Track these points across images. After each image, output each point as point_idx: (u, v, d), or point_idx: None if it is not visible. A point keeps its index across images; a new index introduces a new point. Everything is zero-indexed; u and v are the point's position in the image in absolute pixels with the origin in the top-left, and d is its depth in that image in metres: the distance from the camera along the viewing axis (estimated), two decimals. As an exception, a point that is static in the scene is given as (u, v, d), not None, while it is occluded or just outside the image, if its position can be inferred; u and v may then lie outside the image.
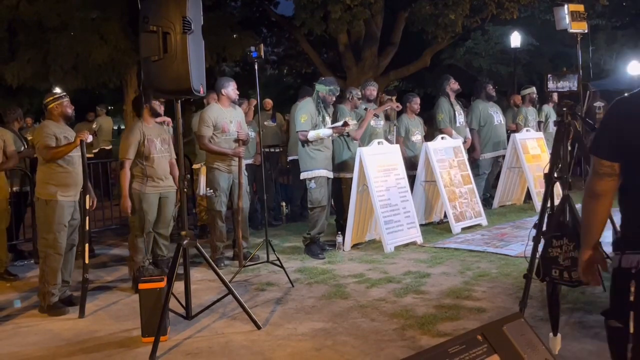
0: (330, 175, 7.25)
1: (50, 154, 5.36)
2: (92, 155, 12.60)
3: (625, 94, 2.60)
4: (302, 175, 7.17)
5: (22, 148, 7.46)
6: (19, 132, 7.67)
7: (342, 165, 7.51)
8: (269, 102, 9.94)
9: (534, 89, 10.53)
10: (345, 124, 7.14)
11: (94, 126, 13.54)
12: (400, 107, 8.84)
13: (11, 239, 7.55)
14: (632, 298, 2.29)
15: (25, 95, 20.19)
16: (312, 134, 7.00)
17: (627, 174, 2.36)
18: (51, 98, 5.65)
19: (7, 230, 6.84)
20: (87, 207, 5.55)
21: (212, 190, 6.78)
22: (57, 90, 11.97)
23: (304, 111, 7.09)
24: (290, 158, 9.16)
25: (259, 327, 4.77)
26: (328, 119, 7.29)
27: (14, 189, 7.41)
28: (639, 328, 2.28)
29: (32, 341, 4.79)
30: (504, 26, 19.42)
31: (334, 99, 7.34)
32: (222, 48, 16.20)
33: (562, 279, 3.91)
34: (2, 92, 19.44)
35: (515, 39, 19.02)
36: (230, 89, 6.83)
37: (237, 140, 6.78)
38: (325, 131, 7.04)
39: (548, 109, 10.57)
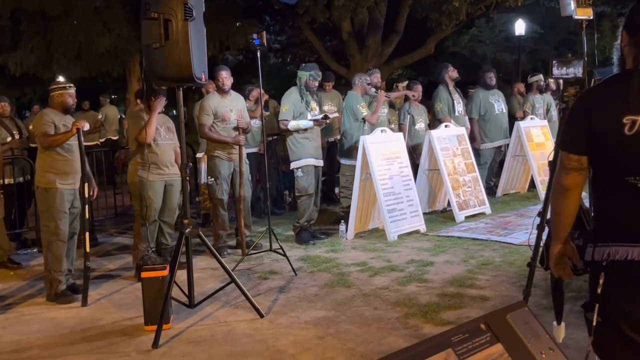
0: (318, 163, 7.26)
1: (48, 142, 5.37)
2: (97, 143, 12.63)
3: (591, 86, 2.58)
4: (291, 165, 7.17)
5: (8, 139, 7.43)
6: (10, 121, 7.66)
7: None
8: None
9: (541, 77, 10.43)
10: (326, 117, 7.15)
11: (100, 116, 13.51)
12: (417, 95, 8.83)
13: (15, 227, 7.57)
14: (599, 290, 2.29)
15: (29, 84, 20.15)
16: (292, 124, 7.01)
17: (596, 166, 2.34)
18: (55, 86, 5.65)
19: (6, 220, 6.82)
20: (87, 195, 5.54)
21: (213, 179, 6.78)
22: (62, 79, 11.94)
23: (286, 100, 7.12)
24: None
25: (261, 316, 4.77)
26: (314, 104, 7.28)
27: (18, 178, 7.41)
28: (604, 321, 2.28)
29: (35, 329, 4.80)
30: (509, 14, 19.29)
31: (316, 84, 7.32)
32: (225, 36, 16.15)
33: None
34: (6, 81, 19.42)
35: (520, 27, 18.90)
36: (222, 77, 6.75)
37: (237, 129, 6.75)
38: (305, 122, 7.03)
39: (548, 97, 10.50)
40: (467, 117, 9.48)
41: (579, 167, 2.35)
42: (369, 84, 7.87)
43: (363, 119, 7.59)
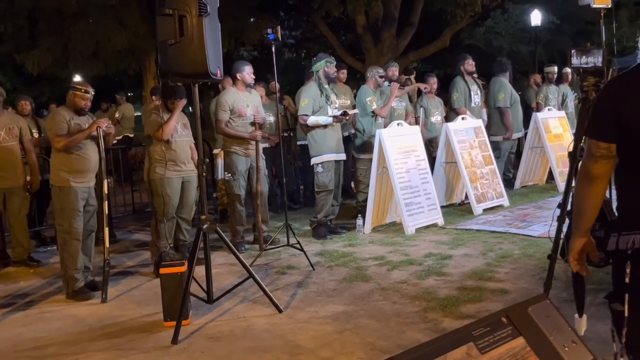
0: (340, 157, 7.22)
1: (64, 143, 5.37)
2: (115, 142, 12.70)
3: (616, 75, 2.53)
4: (312, 161, 7.15)
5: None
6: (30, 119, 7.74)
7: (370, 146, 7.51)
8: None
9: (554, 69, 10.33)
10: (345, 113, 7.12)
11: (116, 115, 13.59)
12: (428, 87, 8.79)
13: (34, 225, 7.63)
14: (627, 280, 2.25)
15: (46, 83, 20.34)
16: (311, 120, 6.98)
17: (623, 154, 2.30)
18: (74, 86, 5.66)
19: (28, 217, 6.89)
20: (106, 192, 5.57)
21: (230, 174, 6.79)
22: (82, 80, 11.99)
23: (305, 95, 7.08)
24: (299, 142, 9.14)
25: (280, 311, 4.76)
26: (334, 97, 7.25)
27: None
28: (635, 311, 2.24)
29: (55, 326, 4.83)
30: (524, 4, 19.13)
31: (334, 68, 7.30)
32: (240, 32, 16.18)
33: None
34: (24, 80, 19.61)
35: (536, 17, 18.73)
36: (246, 72, 6.80)
37: (253, 124, 6.75)
38: (325, 119, 7.00)
39: (565, 88, 10.40)
40: (484, 109, 9.39)
41: (608, 155, 2.31)
42: (381, 77, 7.83)
43: (373, 112, 7.56)
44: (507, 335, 1.91)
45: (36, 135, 7.57)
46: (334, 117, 7.07)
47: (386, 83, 7.98)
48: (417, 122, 8.64)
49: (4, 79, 20.66)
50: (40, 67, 15.68)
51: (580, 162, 2.46)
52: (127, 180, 10.42)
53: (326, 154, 7.05)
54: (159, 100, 6.40)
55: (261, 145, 6.88)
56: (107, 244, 5.58)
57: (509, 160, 9.92)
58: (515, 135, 9.69)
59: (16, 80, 20.30)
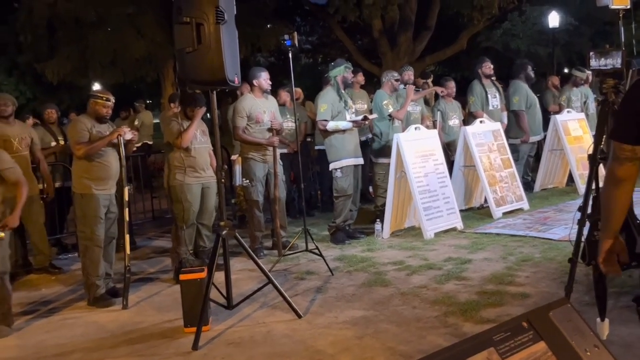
0: (358, 162, 7.23)
1: (84, 151, 5.42)
2: (134, 149, 12.81)
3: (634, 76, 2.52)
4: (330, 166, 7.15)
5: (52, 144, 7.61)
6: (56, 127, 7.86)
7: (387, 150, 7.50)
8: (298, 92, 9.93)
9: (584, 75, 10.13)
10: (365, 118, 7.12)
11: (136, 122, 13.70)
12: (445, 91, 8.77)
13: (55, 233, 7.71)
14: None
15: (66, 92, 20.55)
16: (331, 125, 6.99)
17: None
18: (95, 94, 5.72)
19: (46, 225, 6.96)
20: (126, 199, 5.62)
21: (248, 181, 6.81)
22: (101, 88, 12.11)
23: (324, 100, 7.09)
24: (317, 147, 9.16)
25: (299, 316, 4.77)
26: (351, 103, 7.27)
27: (57, 184, 7.55)
28: None
29: (78, 333, 4.88)
30: (542, 6, 19.00)
31: (352, 74, 7.32)
32: (257, 38, 16.25)
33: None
34: (44, 89, 19.82)
35: (554, 19, 18.60)
36: (262, 78, 6.82)
37: (271, 130, 6.78)
38: (345, 124, 7.01)
39: (586, 90, 10.31)
40: (504, 113, 9.33)
41: (633, 157, 2.30)
42: (397, 81, 7.83)
43: (389, 115, 7.56)
44: (528, 340, 1.90)
45: (61, 142, 7.68)
46: (354, 121, 7.08)
47: (402, 86, 7.97)
48: (434, 126, 8.62)
49: (24, 87, 20.91)
50: (59, 76, 15.86)
51: (607, 164, 2.44)
52: (147, 187, 10.49)
53: (345, 159, 7.06)
54: (177, 107, 6.46)
55: (278, 151, 6.90)
56: (127, 251, 5.64)
57: (528, 164, 9.85)
58: (534, 138, 9.63)
59: (36, 89, 20.52)
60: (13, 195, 5.12)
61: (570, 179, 9.63)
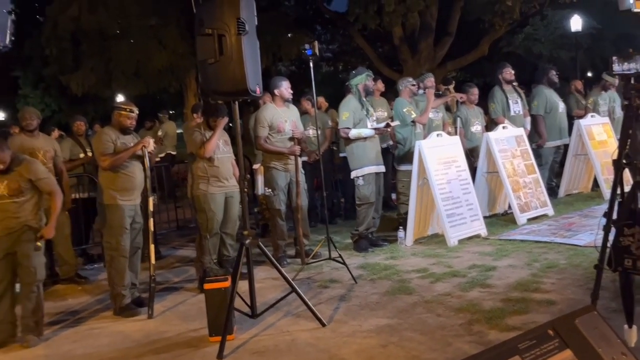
0: (380, 169, 7.22)
1: (109, 163, 5.49)
2: (158, 159, 12.93)
3: None
4: (352, 174, 7.15)
5: (81, 155, 7.71)
6: (84, 138, 7.97)
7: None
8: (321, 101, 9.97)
9: (613, 80, 10.00)
10: (387, 125, 7.13)
11: (159, 133, 13.82)
12: (465, 97, 8.73)
13: (81, 243, 7.81)
14: None
15: (90, 103, 20.83)
16: (353, 132, 7.00)
17: None
18: (119, 106, 5.80)
19: (76, 235, 7.05)
20: (151, 209, 5.67)
21: (270, 190, 6.84)
22: (125, 100, 12.23)
23: (346, 108, 7.10)
24: (341, 154, 9.17)
25: (323, 325, 4.77)
26: (372, 110, 7.28)
27: (82, 194, 7.64)
28: None
29: (104, 342, 4.93)
30: (563, 10, 18.86)
31: (373, 82, 7.36)
32: (277, 47, 16.36)
33: (636, 269, 3.76)
34: (69, 101, 20.12)
35: (576, 23, 18.46)
36: (284, 88, 6.86)
37: (292, 139, 6.80)
38: (367, 131, 7.02)
39: (612, 94, 10.20)
40: (527, 118, 9.26)
41: None
42: (413, 85, 7.82)
43: (413, 121, 7.55)
44: (554, 347, 1.89)
45: (89, 154, 7.79)
46: (376, 129, 7.08)
47: (421, 91, 7.95)
48: (457, 133, 8.58)
49: (49, 100, 21.25)
50: (84, 88, 16.10)
51: None
52: (171, 197, 10.58)
53: (367, 167, 7.06)
54: (200, 117, 6.51)
55: (300, 160, 6.92)
56: (153, 261, 5.68)
57: (552, 169, 9.75)
58: (554, 143, 9.49)
59: (61, 101, 20.84)
60: (48, 205, 5.21)
61: (596, 184, 9.52)
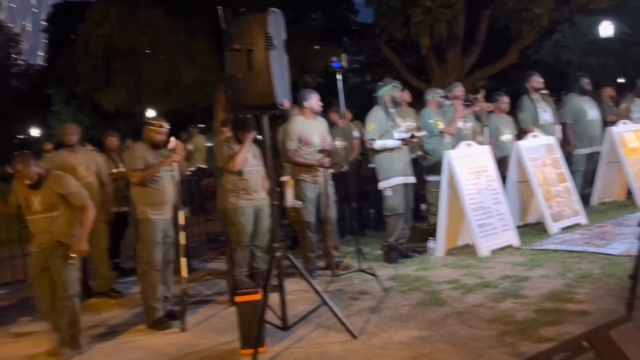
0: (409, 180, 7.19)
1: (138, 178, 5.58)
2: (188, 173, 13.07)
3: None
4: (380, 185, 7.14)
5: (113, 170, 7.83)
6: (116, 154, 8.10)
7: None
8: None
9: None
10: (413, 136, 7.12)
11: (190, 147, 13.98)
12: (492, 107, 8.67)
13: (113, 257, 7.90)
14: None
15: (122, 119, 21.16)
16: (379, 143, 7.00)
17: None
18: (150, 122, 5.89)
19: (109, 249, 7.14)
20: (183, 222, 5.73)
21: (299, 202, 6.85)
22: (155, 115, 12.42)
23: (372, 119, 7.12)
24: (370, 165, 9.16)
25: (354, 337, 4.76)
26: (400, 121, 7.28)
27: (113, 209, 7.75)
28: None
29: (137, 356, 4.98)
30: (593, 16, 18.66)
31: (401, 93, 7.37)
32: (305, 60, 16.44)
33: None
34: (101, 118, 20.47)
35: (606, 29, 18.23)
36: (313, 101, 6.90)
37: (321, 151, 6.82)
38: (393, 142, 7.02)
39: None
40: (557, 126, 9.16)
41: None
42: (442, 97, 7.80)
43: (441, 132, 7.52)
44: (589, 360, 1.87)
45: (122, 168, 7.90)
46: (402, 139, 7.08)
47: (448, 102, 7.92)
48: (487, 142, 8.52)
49: (82, 116, 21.65)
50: (115, 104, 16.37)
51: None
52: (201, 210, 10.66)
53: (394, 177, 7.05)
54: (229, 131, 6.58)
55: (329, 172, 6.94)
56: (184, 274, 5.73)
57: (586, 177, 9.61)
58: (584, 151, 9.36)
59: (93, 117, 21.22)
60: (81, 219, 5.29)
61: (630, 191, 9.36)
